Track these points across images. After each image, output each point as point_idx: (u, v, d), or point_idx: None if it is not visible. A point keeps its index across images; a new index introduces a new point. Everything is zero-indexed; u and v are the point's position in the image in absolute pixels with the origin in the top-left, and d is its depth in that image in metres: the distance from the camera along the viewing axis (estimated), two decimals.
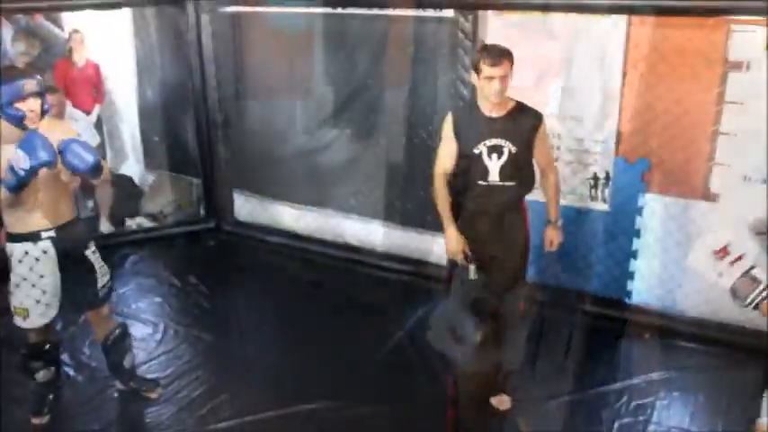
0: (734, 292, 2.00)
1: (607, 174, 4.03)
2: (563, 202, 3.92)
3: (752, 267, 1.95)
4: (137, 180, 6.51)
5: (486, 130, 2.98)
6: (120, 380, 3.53)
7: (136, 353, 3.93)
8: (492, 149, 2.98)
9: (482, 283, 3.04)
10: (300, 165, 5.13)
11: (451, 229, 3.06)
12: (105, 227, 5.76)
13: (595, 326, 4.07)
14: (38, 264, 3.06)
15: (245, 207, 5.69)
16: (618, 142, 3.97)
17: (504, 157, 2.98)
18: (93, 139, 5.65)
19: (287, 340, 4.03)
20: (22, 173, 2.70)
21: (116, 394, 3.58)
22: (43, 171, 2.82)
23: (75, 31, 6.05)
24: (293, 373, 3.71)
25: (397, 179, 4.60)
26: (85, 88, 6.02)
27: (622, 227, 4.07)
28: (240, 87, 5.42)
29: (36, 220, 3.02)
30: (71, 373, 3.78)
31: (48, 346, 3.29)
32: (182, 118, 5.87)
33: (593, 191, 4.08)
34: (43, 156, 2.70)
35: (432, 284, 4.51)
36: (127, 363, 3.48)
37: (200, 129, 5.51)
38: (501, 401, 3.39)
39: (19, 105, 2.79)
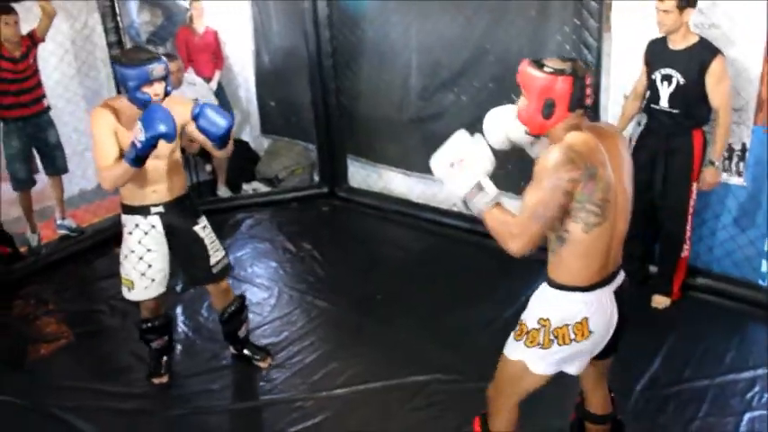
0: (465, 201, 2.14)
1: (743, 145, 3.69)
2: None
3: None
4: (253, 145, 6.62)
5: (664, 59, 3.45)
6: (233, 347, 3.59)
7: (251, 317, 4.01)
8: (664, 78, 3.45)
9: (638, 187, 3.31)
10: (415, 132, 5.03)
11: None
12: (222, 191, 5.89)
13: (724, 307, 3.80)
14: (146, 237, 3.11)
15: (359, 173, 5.66)
16: (757, 110, 3.62)
17: (673, 87, 3.43)
18: None
19: (399, 309, 3.98)
20: (139, 144, 2.71)
21: (228, 359, 3.65)
22: (162, 144, 2.83)
23: None
24: (406, 344, 3.65)
25: (514, 148, 4.42)
26: (205, 55, 6.15)
27: (758, 203, 3.73)
28: (356, 53, 5.35)
29: (147, 194, 3.07)
30: (189, 334, 3.89)
31: (158, 322, 3.38)
32: (297, 84, 5.88)
33: (726, 163, 3.76)
34: (160, 127, 2.69)
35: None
36: (242, 333, 3.54)
37: (315, 95, 5.50)
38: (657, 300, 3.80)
39: (146, 89, 2.82)
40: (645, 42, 3.58)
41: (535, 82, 2.06)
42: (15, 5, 4.69)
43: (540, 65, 2.06)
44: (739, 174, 3.74)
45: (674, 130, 3.53)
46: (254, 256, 4.85)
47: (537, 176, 2.00)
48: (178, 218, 3.16)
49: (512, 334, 2.28)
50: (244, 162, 6.25)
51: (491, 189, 2.09)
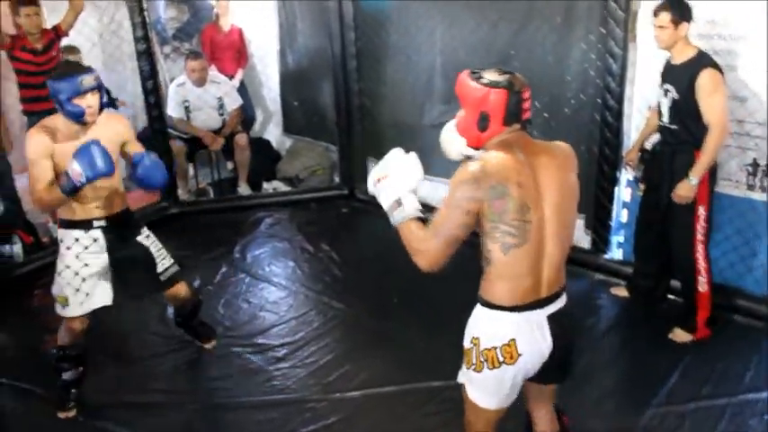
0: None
1: None
2: (726, 190, 3.71)
3: None
4: (275, 144, 6.64)
5: (666, 74, 3.45)
6: (182, 328, 3.66)
7: (267, 315, 4.03)
8: (665, 92, 3.43)
9: (650, 203, 3.66)
10: (437, 136, 4.97)
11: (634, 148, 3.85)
12: (243, 188, 5.92)
13: (745, 324, 3.74)
14: (86, 251, 3.06)
15: None
16: None
17: (669, 102, 3.40)
18: (235, 102, 5.80)
19: (417, 313, 3.97)
20: (78, 183, 2.72)
21: (243, 356, 3.66)
22: None
23: None
24: (421, 348, 3.64)
25: None
26: (230, 53, 6.20)
27: None
28: (380, 55, 5.35)
29: (90, 209, 3.03)
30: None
31: (74, 351, 3.23)
32: (321, 84, 5.90)
33: (750, 178, 3.70)
34: (100, 167, 2.69)
35: (569, 266, 4.34)
36: (195, 324, 3.63)
37: (338, 96, 5.51)
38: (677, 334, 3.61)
39: (78, 101, 2.78)
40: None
41: (470, 93, 2.05)
42: None
43: (477, 76, 2.04)
44: (763, 189, 3.68)
45: (677, 148, 3.45)
46: (272, 255, 4.86)
47: (448, 192, 2.00)
48: (121, 230, 3.13)
49: None
50: (265, 161, 6.28)
51: (409, 205, 2.10)
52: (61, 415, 3.26)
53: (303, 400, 3.31)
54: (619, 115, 4.01)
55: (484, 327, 2.14)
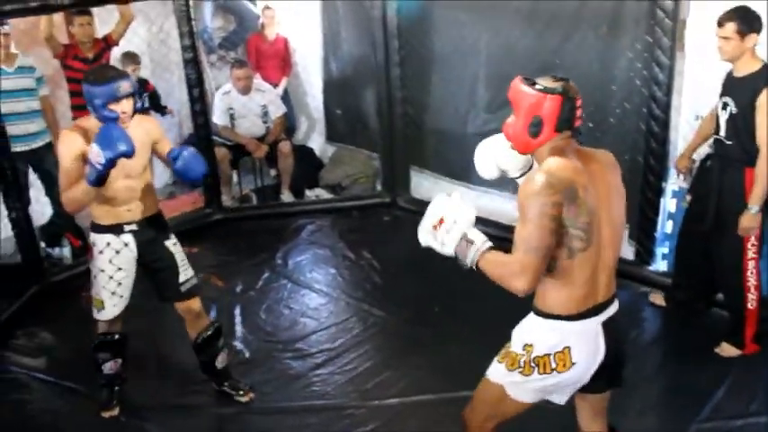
0: (456, 257, 2.06)
1: None
2: None
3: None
4: (318, 152, 6.69)
5: (726, 86, 3.31)
6: (213, 380, 3.45)
7: (308, 322, 4.05)
8: (724, 106, 3.29)
9: (695, 215, 3.57)
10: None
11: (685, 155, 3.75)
12: (286, 195, 5.97)
13: None
14: (117, 256, 3.08)
15: (423, 185, 5.65)
16: None
17: (727, 115, 3.27)
18: (279, 110, 5.86)
19: (456, 322, 3.95)
20: (99, 167, 2.68)
21: (283, 361, 3.68)
22: (132, 163, 2.87)
23: (267, 7, 6.32)
24: (461, 357, 3.61)
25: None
26: (274, 61, 6.28)
27: None
28: (424, 63, 5.36)
29: (121, 213, 3.04)
30: (247, 335, 3.95)
31: (117, 337, 3.28)
32: (364, 92, 5.93)
33: None
34: (119, 147, 2.66)
35: None
36: (219, 364, 3.39)
37: (381, 104, 5.53)
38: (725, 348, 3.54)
39: (113, 107, 2.79)
40: (718, 62, 3.38)
41: (524, 98, 2.04)
42: (99, 8, 4.87)
43: (531, 82, 2.04)
44: None
45: (728, 164, 3.33)
46: (313, 262, 4.89)
47: (521, 208, 1.97)
48: (151, 234, 3.14)
49: (496, 357, 2.26)
50: (308, 168, 6.33)
51: (477, 238, 2.05)
52: (105, 414, 3.32)
53: (342, 407, 3.33)
54: (665, 125, 3.94)
55: (538, 334, 2.13)
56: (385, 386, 3.45)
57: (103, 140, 2.66)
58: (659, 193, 4.08)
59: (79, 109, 4.85)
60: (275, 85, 6.14)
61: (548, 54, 4.49)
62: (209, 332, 3.32)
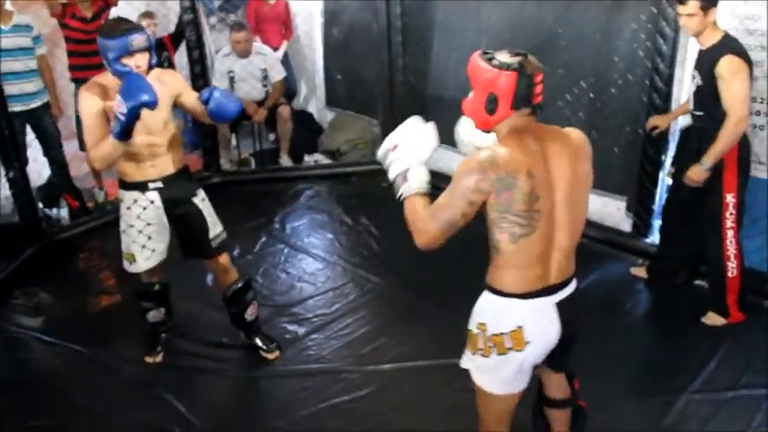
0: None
1: None
2: (755, 173, 3.60)
3: None
4: (317, 117, 6.66)
5: (696, 60, 3.37)
6: (243, 333, 3.50)
7: (304, 287, 4.07)
8: (692, 78, 3.40)
9: (678, 186, 3.61)
10: None
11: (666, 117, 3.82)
12: (285, 160, 5.96)
13: None
14: (145, 212, 3.08)
15: None
16: None
17: (695, 87, 3.36)
18: (279, 74, 5.82)
19: (453, 289, 3.95)
20: (122, 117, 2.64)
21: (278, 325, 3.71)
22: (153, 118, 2.85)
23: None
24: (457, 324, 3.58)
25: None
26: (274, 25, 6.21)
27: None
28: (425, 31, 5.31)
29: (146, 169, 3.02)
30: None
31: (157, 287, 3.32)
32: (364, 58, 5.88)
33: None
34: (141, 96, 2.61)
35: (608, 249, 4.31)
36: (248, 316, 3.42)
37: (382, 70, 5.49)
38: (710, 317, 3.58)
39: (126, 61, 2.73)
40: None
41: (480, 74, 2.01)
42: None
43: (489, 57, 2.00)
44: None
45: (703, 134, 3.37)
46: (311, 227, 4.90)
47: (453, 179, 1.97)
48: (177, 190, 3.11)
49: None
50: (307, 133, 6.31)
51: (416, 180, 2.07)
52: (149, 359, 3.40)
53: (337, 371, 3.36)
54: (667, 97, 3.92)
55: (491, 313, 2.13)
56: (380, 351, 3.48)
57: (127, 91, 2.62)
58: (658, 165, 4.07)
59: (78, 69, 4.82)
60: (275, 49, 6.09)
61: (550, 23, 4.45)
62: (240, 284, 3.35)
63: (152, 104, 2.66)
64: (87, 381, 3.34)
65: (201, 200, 3.21)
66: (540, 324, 2.09)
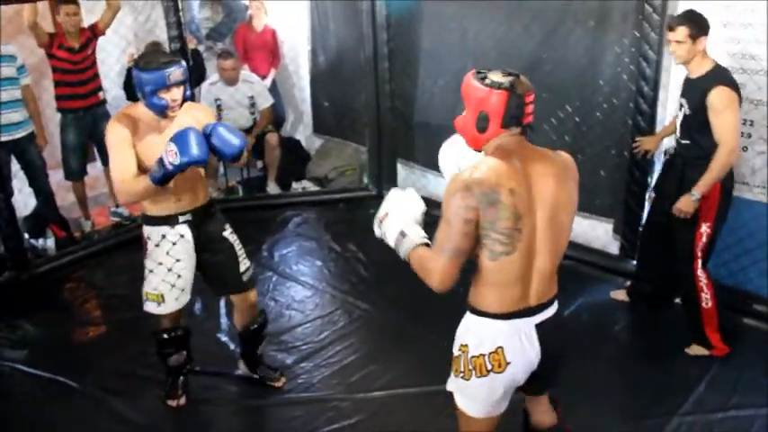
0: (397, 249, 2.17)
1: None
2: (749, 196, 3.66)
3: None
4: (305, 144, 6.67)
5: (683, 87, 3.37)
6: (248, 366, 3.46)
7: (293, 314, 4.06)
8: (680, 106, 3.37)
9: (657, 211, 3.63)
10: None
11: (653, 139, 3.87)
12: (272, 187, 5.96)
13: None
14: (174, 248, 2.98)
15: (409, 178, 5.66)
16: None
17: (682, 116, 3.35)
18: (266, 102, 5.84)
19: (441, 316, 3.92)
20: (171, 167, 2.60)
21: (271, 352, 3.67)
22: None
23: None
24: (447, 350, 3.57)
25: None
26: (262, 53, 6.25)
27: None
28: (412, 57, 5.34)
29: (173, 203, 2.95)
30: (230, 325, 3.88)
31: (180, 332, 3.23)
32: (351, 85, 5.90)
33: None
34: (197, 153, 2.59)
35: (596, 272, 4.31)
36: (259, 350, 3.40)
37: (369, 97, 5.51)
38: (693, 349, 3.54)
39: (163, 95, 2.71)
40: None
41: (472, 93, 2.04)
42: None
43: (482, 76, 2.03)
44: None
45: (687, 163, 3.38)
46: (299, 254, 4.88)
47: (443, 207, 1.99)
48: (207, 224, 3.07)
49: None
50: (295, 160, 6.31)
51: (414, 235, 2.11)
52: (172, 403, 3.30)
53: (327, 399, 3.33)
54: (652, 120, 3.96)
55: (472, 333, 2.13)
56: (370, 379, 3.46)
57: (183, 143, 2.59)
58: (644, 187, 4.09)
59: (65, 99, 4.83)
60: (264, 77, 6.11)
61: (535, 48, 4.49)
62: (257, 324, 3.32)
63: (203, 163, 2.66)
64: (73, 413, 3.29)
65: (231, 233, 3.16)
66: (520, 345, 2.08)
